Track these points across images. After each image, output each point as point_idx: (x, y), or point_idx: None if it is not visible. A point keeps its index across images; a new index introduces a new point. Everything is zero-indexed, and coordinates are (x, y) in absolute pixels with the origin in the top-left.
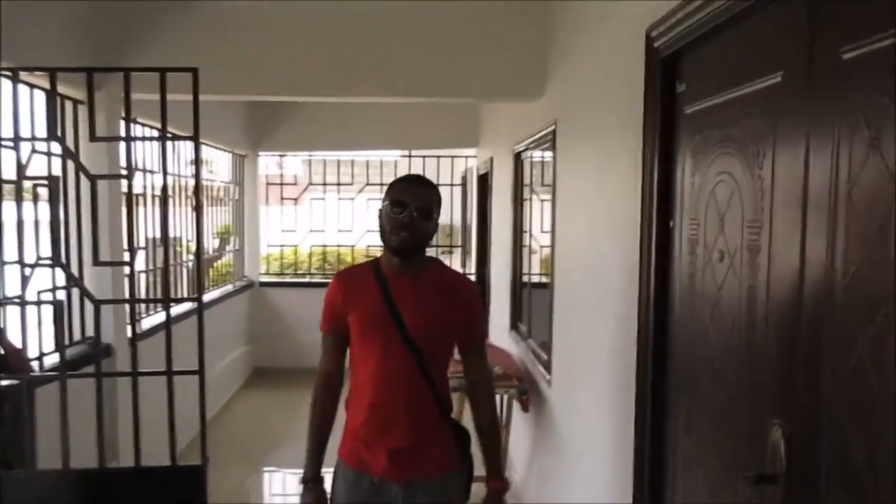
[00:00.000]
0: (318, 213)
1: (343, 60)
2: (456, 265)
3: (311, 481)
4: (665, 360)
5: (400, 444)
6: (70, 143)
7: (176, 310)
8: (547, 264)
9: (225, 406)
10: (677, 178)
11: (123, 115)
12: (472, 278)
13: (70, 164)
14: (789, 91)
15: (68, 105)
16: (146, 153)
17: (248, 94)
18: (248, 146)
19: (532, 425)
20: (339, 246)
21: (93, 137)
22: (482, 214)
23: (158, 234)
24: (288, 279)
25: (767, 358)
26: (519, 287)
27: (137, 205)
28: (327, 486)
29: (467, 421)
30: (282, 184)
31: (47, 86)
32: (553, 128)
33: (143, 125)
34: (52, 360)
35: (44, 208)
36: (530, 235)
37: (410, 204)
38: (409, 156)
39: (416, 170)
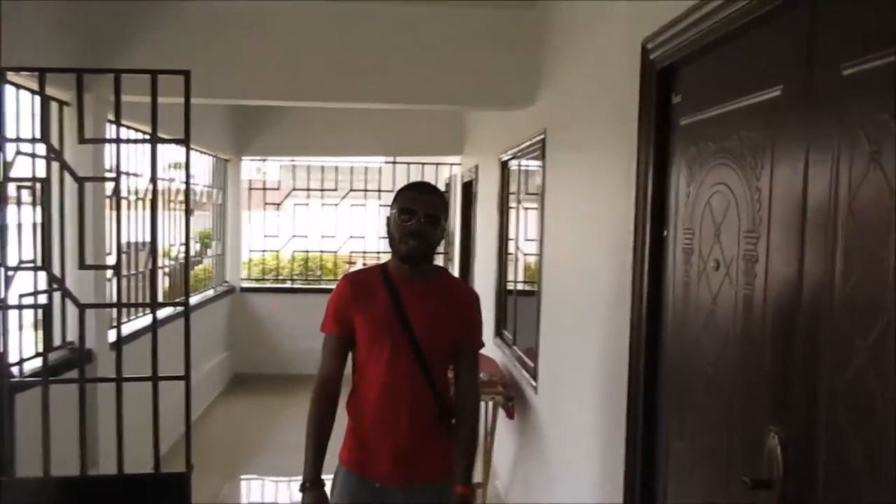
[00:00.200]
0: (300, 218)
1: (333, 66)
2: None
3: (312, 484)
4: (657, 367)
5: (402, 449)
6: (55, 144)
7: (149, 318)
8: (531, 272)
9: (204, 412)
10: (671, 188)
11: (110, 117)
12: None
13: (54, 166)
14: (789, 105)
15: (53, 106)
16: (129, 156)
17: (235, 98)
18: (231, 150)
19: (517, 432)
20: (321, 252)
21: (81, 139)
22: (466, 222)
23: (137, 239)
24: (269, 285)
25: (763, 365)
26: (504, 294)
27: (119, 209)
28: (327, 489)
29: None
30: (265, 189)
31: (33, 86)
32: (542, 137)
33: (128, 128)
34: (30, 365)
35: (25, 211)
36: (516, 244)
37: (418, 211)
38: (394, 162)
39: (400, 176)
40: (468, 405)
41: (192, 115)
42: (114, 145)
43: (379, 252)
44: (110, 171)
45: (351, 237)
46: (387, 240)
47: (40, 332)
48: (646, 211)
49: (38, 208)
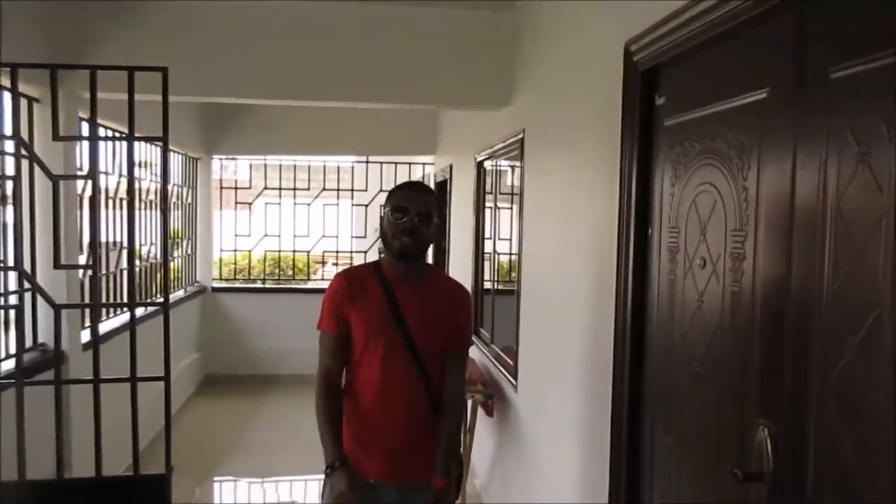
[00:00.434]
0: (272, 217)
1: (308, 65)
2: None
3: (340, 463)
4: (642, 364)
5: (397, 446)
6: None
7: (123, 317)
8: (506, 271)
9: (176, 414)
10: (656, 187)
11: (82, 114)
12: None
13: (24, 164)
14: (776, 107)
15: (23, 102)
16: (98, 154)
17: (208, 96)
18: (201, 149)
19: (496, 430)
20: (294, 251)
21: (56, 136)
22: (440, 221)
23: (106, 238)
24: (240, 285)
25: (752, 361)
26: (481, 293)
27: (82, 208)
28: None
29: None
30: (236, 188)
31: (2, 82)
32: (521, 137)
33: (100, 125)
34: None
35: None
36: (494, 243)
37: (411, 209)
38: (367, 162)
39: (373, 175)
40: (454, 402)
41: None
42: (85, 143)
43: (352, 252)
44: (81, 169)
45: (323, 237)
46: (378, 238)
47: (8, 334)
48: (630, 210)
49: (5, 207)
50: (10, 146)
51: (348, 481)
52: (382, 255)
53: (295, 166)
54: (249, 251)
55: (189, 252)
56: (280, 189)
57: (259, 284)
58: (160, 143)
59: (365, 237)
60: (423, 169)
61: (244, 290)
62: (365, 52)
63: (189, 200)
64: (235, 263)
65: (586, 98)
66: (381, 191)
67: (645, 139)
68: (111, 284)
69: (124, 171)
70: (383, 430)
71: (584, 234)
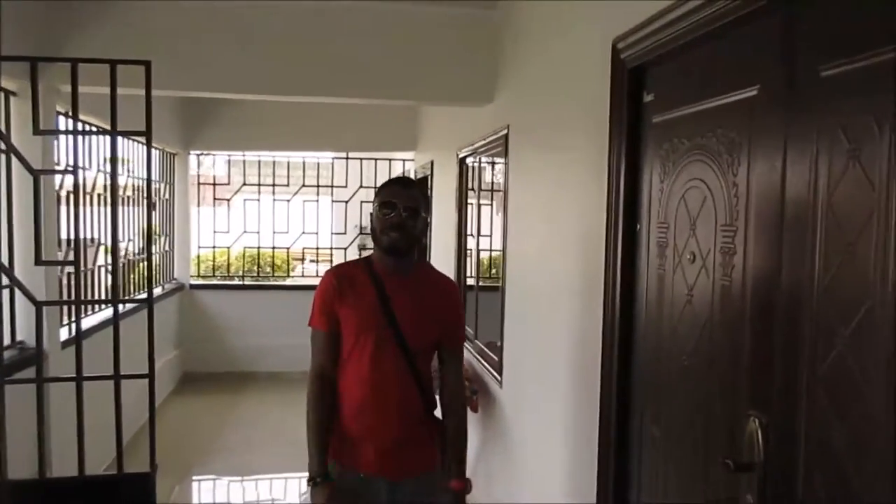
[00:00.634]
0: (251, 214)
1: (290, 61)
2: None
3: (321, 479)
4: (630, 358)
5: (388, 441)
6: None
7: (102, 315)
8: (489, 267)
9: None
10: (644, 183)
11: (60, 108)
12: None
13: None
14: (766, 104)
15: None
16: (70, 149)
17: (188, 91)
18: (179, 144)
19: (480, 426)
20: (273, 248)
21: (36, 130)
22: (428, 215)
23: (83, 234)
24: (218, 282)
25: (742, 353)
26: (464, 289)
27: (59, 203)
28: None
29: None
30: (214, 184)
31: None
32: (504, 133)
33: (76, 119)
34: None
35: None
36: (477, 239)
37: (398, 204)
38: (347, 158)
39: (354, 171)
40: (455, 399)
41: (140, 106)
42: (63, 137)
43: (332, 248)
44: (58, 164)
45: (303, 233)
46: (368, 235)
47: None
48: (619, 206)
49: None
50: None
51: (328, 498)
52: (373, 252)
53: (274, 162)
54: (228, 248)
55: (167, 249)
56: (259, 185)
57: (238, 282)
58: (142, 139)
59: (345, 234)
60: (404, 165)
61: (222, 287)
62: (347, 48)
63: (166, 196)
64: (214, 260)
65: (572, 95)
66: (361, 187)
67: (633, 136)
68: (88, 281)
69: (101, 167)
70: (374, 425)
71: (570, 229)
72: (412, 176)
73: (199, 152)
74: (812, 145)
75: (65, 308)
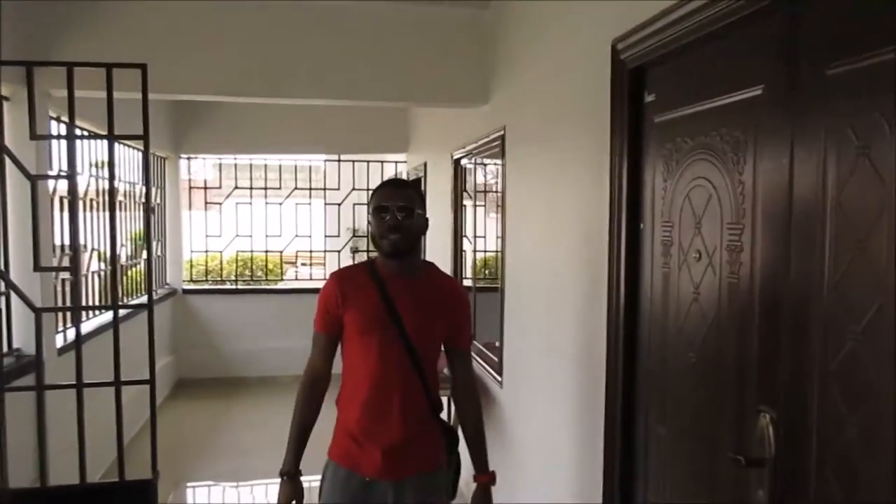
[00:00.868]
0: (243, 218)
1: (284, 63)
2: None
3: (288, 475)
4: (635, 356)
5: (393, 443)
6: None
7: (96, 321)
8: (487, 268)
9: (147, 422)
10: (646, 183)
11: (51, 113)
12: None
13: None
14: (771, 103)
15: None
16: (62, 154)
17: (180, 93)
18: (169, 147)
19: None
20: (266, 252)
21: (33, 135)
22: (424, 211)
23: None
24: (210, 286)
25: (751, 350)
26: None
27: (53, 209)
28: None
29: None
30: (206, 188)
31: None
32: (501, 134)
33: (73, 124)
34: None
35: None
36: (474, 241)
37: (391, 206)
38: (339, 160)
39: (346, 174)
40: (469, 398)
41: (129, 110)
42: (55, 142)
43: (325, 251)
44: (50, 169)
45: (296, 236)
46: (361, 238)
47: None
48: (621, 205)
49: None
50: None
51: (288, 496)
52: (376, 255)
53: (265, 165)
54: (220, 252)
55: (159, 254)
56: (251, 189)
57: (230, 286)
58: (137, 143)
59: (338, 236)
60: (396, 167)
61: (215, 292)
62: (340, 49)
63: (157, 201)
64: (206, 265)
65: (570, 96)
66: (353, 189)
67: (635, 136)
68: (81, 288)
69: (90, 171)
70: (379, 427)
71: (571, 229)
72: (405, 177)
73: (189, 156)
74: (820, 143)
75: (58, 315)
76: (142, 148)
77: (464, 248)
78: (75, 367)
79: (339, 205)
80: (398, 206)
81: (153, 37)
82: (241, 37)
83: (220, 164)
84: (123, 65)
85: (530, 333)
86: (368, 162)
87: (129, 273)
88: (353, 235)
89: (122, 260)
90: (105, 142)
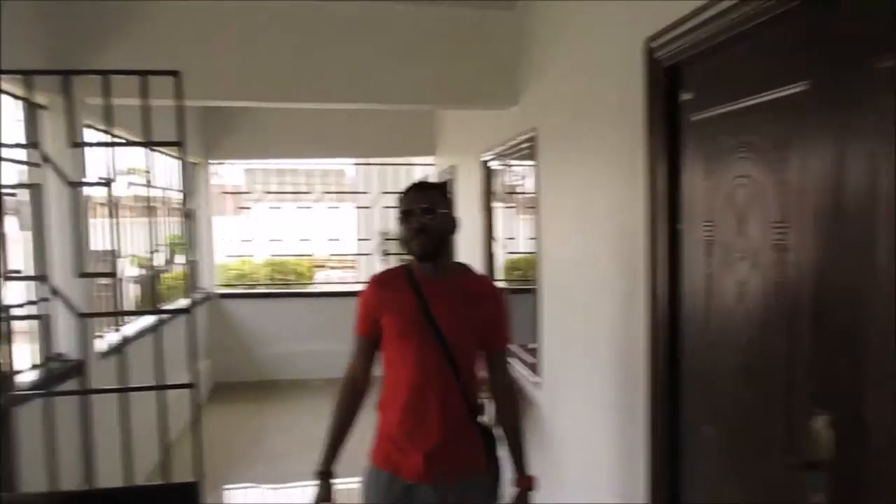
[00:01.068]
0: (273, 222)
1: (311, 67)
2: None
3: (321, 476)
4: (678, 358)
5: (433, 446)
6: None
7: (135, 325)
8: (520, 270)
9: (189, 424)
10: (685, 182)
11: (87, 121)
12: None
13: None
14: (817, 99)
15: (26, 109)
16: (98, 161)
17: (211, 100)
18: (200, 153)
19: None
20: (298, 256)
21: (72, 143)
22: (449, 209)
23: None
24: (242, 290)
25: (801, 351)
26: None
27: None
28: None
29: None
30: (236, 193)
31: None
32: (532, 135)
33: (111, 132)
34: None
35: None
36: (505, 242)
37: (414, 210)
38: (366, 164)
39: (372, 178)
40: (508, 399)
41: (161, 116)
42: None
43: (357, 255)
44: (85, 176)
45: (328, 241)
46: (390, 241)
47: (20, 345)
48: (660, 206)
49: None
50: (15, 153)
51: (323, 496)
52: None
53: (294, 170)
54: (251, 257)
55: (193, 258)
56: (280, 193)
57: (262, 290)
58: (173, 150)
59: (369, 240)
60: (423, 171)
61: (249, 296)
62: (368, 53)
63: (191, 206)
64: (239, 269)
65: (603, 95)
66: (383, 193)
67: (671, 135)
68: (108, 293)
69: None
70: (419, 430)
71: (606, 230)
72: (432, 180)
73: (219, 161)
74: (869, 139)
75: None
76: (174, 154)
77: (497, 249)
78: (117, 372)
79: (369, 208)
80: (421, 209)
81: (185, 43)
82: (272, 43)
83: (249, 170)
84: (157, 72)
85: (567, 334)
86: (394, 165)
87: (167, 278)
88: (384, 238)
89: (160, 264)
90: (136, 148)
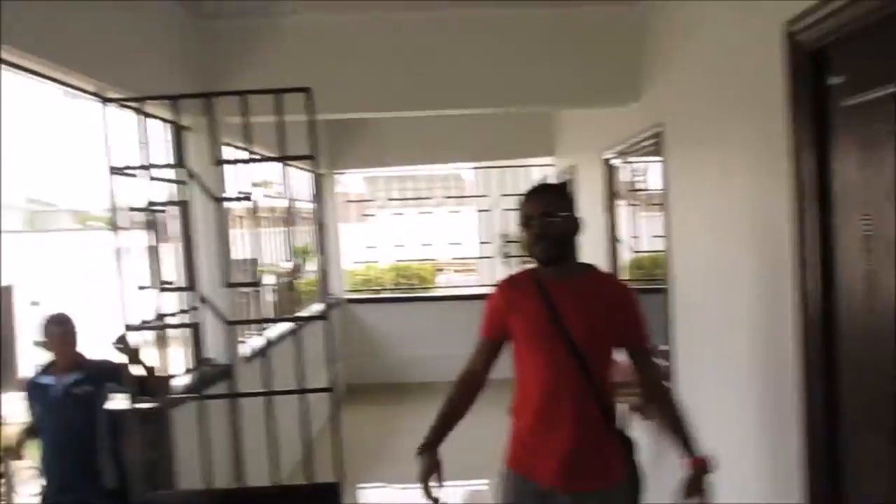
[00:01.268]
0: (395, 228)
1: (431, 74)
2: None
3: (425, 448)
4: (834, 361)
5: (566, 451)
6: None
7: (274, 332)
8: (634, 269)
9: (324, 426)
10: (836, 172)
11: (225, 140)
12: None
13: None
14: None
15: (167, 130)
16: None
17: (333, 113)
18: (326, 164)
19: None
20: (422, 261)
21: (216, 161)
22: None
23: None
24: (369, 295)
25: None
26: None
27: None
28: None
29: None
30: (360, 201)
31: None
32: (658, 131)
33: (250, 150)
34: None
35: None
36: (630, 241)
37: (535, 214)
38: (485, 167)
39: (491, 180)
40: (661, 392)
41: (290, 131)
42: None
43: (479, 258)
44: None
45: (450, 244)
46: (511, 243)
47: (170, 351)
48: (808, 198)
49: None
50: (157, 172)
51: (427, 469)
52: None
53: (413, 176)
54: (376, 262)
55: (323, 266)
56: (403, 200)
57: (387, 294)
58: (307, 164)
59: (490, 243)
60: (542, 171)
61: (375, 301)
62: (488, 57)
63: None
64: (365, 275)
65: (736, 84)
66: (502, 195)
67: (819, 122)
68: (244, 300)
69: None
70: (552, 435)
71: (744, 226)
72: (552, 181)
73: (342, 171)
74: None
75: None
76: (306, 167)
77: (617, 248)
78: (261, 376)
79: (489, 211)
80: (540, 213)
81: (312, 59)
82: (391, 54)
83: (370, 178)
84: (290, 90)
85: (702, 335)
86: (513, 167)
87: (300, 285)
88: (504, 241)
89: (289, 273)
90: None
